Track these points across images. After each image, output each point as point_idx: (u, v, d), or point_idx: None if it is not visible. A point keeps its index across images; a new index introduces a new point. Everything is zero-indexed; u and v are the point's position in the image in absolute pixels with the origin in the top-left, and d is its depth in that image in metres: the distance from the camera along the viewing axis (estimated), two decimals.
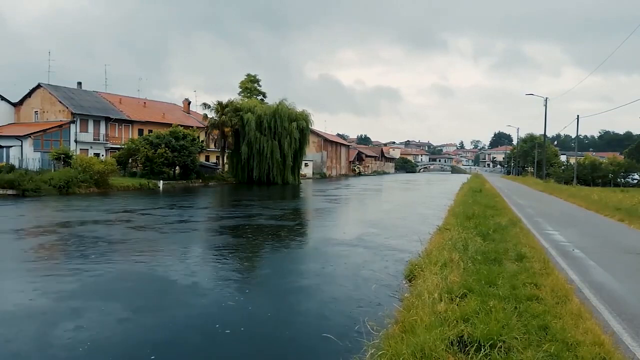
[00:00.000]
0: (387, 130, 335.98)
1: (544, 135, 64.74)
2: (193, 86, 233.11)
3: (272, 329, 7.04)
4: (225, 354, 6.23)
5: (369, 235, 15.93)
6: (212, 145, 54.21)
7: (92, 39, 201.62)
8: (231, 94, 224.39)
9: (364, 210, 27.48)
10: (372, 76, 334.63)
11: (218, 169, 53.42)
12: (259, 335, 6.80)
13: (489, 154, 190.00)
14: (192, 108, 65.06)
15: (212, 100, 71.56)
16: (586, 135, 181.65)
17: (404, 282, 9.18)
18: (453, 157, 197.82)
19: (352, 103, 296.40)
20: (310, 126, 55.62)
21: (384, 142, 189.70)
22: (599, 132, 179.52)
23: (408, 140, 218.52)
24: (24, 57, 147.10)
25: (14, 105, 50.16)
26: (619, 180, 62.25)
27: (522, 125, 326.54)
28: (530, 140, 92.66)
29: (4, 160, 39.11)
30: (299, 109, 53.80)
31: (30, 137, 42.30)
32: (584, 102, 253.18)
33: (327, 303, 8.34)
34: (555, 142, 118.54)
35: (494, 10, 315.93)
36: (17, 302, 8.12)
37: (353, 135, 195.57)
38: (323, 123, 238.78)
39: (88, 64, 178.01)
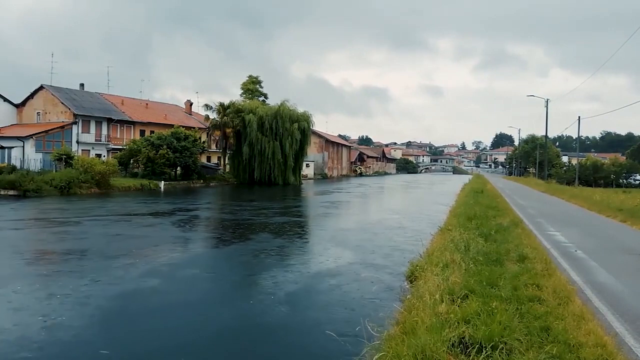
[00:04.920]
0: (388, 131, 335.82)
1: (545, 136, 64.68)
2: (181, 86, 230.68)
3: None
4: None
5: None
6: (213, 146, 54.22)
7: (73, 38, 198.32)
8: (222, 94, 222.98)
9: (370, 210, 27.45)
10: (366, 77, 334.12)
11: (219, 169, 53.47)
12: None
13: (491, 155, 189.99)
14: (194, 109, 65.16)
15: (213, 101, 71.76)
16: (588, 136, 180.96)
17: (405, 284, 9.15)
18: (454, 157, 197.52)
19: (344, 104, 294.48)
20: (311, 127, 55.69)
21: (385, 142, 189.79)
22: (601, 133, 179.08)
23: (409, 141, 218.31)
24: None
25: (16, 106, 50.24)
26: (621, 181, 62.10)
27: (523, 125, 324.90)
28: (531, 141, 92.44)
29: (6, 161, 39.18)
30: (300, 110, 53.99)
31: (32, 138, 42.35)
32: (576, 102, 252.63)
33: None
34: (557, 143, 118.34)
35: (480, 11, 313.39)
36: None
37: (354, 136, 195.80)
38: (324, 124, 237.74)
39: (73, 63, 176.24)
